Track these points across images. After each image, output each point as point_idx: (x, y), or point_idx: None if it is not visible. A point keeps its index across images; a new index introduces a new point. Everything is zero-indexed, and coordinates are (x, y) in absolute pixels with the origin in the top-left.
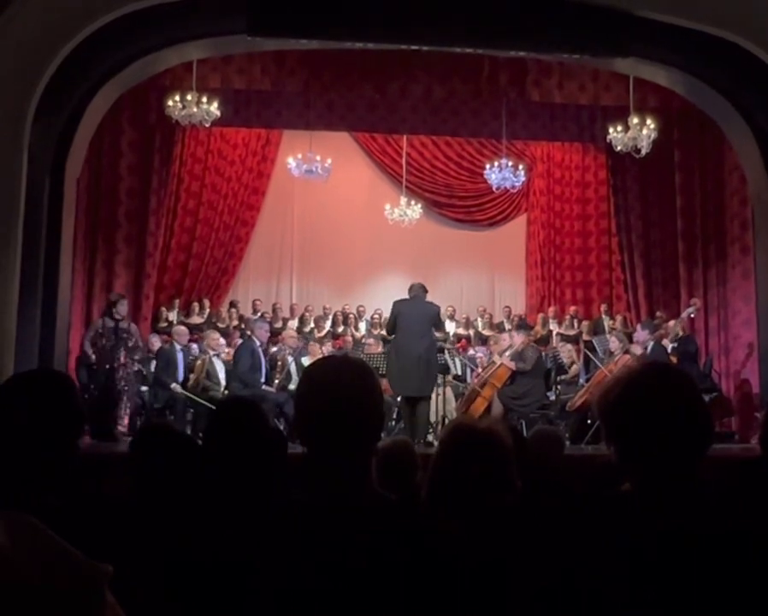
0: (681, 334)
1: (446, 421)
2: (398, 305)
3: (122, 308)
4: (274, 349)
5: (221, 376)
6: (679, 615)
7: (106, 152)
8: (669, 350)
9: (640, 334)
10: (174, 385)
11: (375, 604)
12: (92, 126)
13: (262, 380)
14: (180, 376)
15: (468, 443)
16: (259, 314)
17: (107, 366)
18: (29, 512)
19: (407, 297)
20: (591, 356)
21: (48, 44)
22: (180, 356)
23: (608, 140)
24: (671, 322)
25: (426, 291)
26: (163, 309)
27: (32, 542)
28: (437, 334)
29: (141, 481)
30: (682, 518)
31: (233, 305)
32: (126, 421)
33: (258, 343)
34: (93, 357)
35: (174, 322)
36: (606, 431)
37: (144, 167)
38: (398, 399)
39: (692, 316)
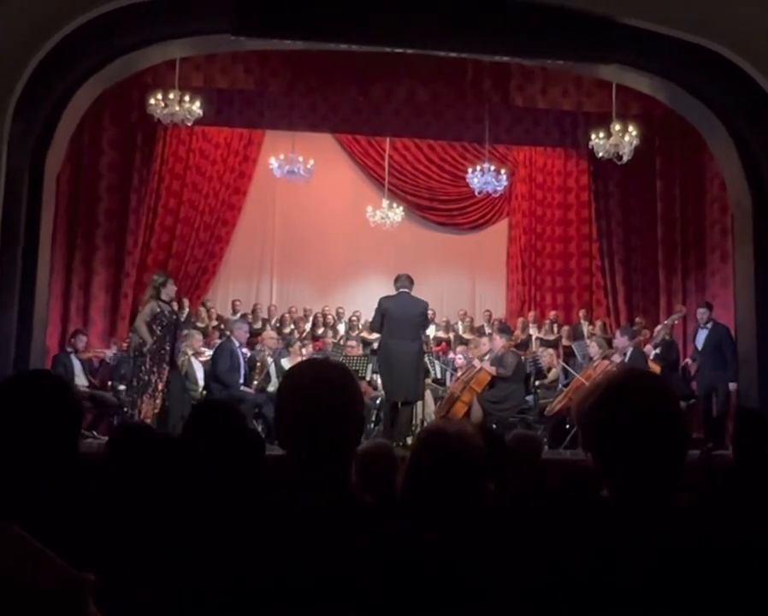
0: (667, 339)
1: (425, 424)
2: (385, 302)
3: (171, 289)
4: (247, 351)
5: (200, 376)
6: None
7: (87, 149)
8: (652, 356)
9: (620, 340)
10: None
11: (352, 606)
12: (73, 122)
13: (241, 381)
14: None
15: (437, 447)
16: (239, 314)
17: (164, 353)
18: (26, 516)
19: (393, 293)
20: (566, 366)
21: (30, 38)
22: None
23: (590, 146)
24: (658, 327)
25: (412, 282)
26: (141, 308)
27: (16, 551)
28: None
29: (119, 480)
30: (659, 524)
31: (203, 305)
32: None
33: (237, 344)
34: (150, 343)
35: None
36: (583, 438)
37: (124, 165)
38: (378, 401)
39: (676, 322)
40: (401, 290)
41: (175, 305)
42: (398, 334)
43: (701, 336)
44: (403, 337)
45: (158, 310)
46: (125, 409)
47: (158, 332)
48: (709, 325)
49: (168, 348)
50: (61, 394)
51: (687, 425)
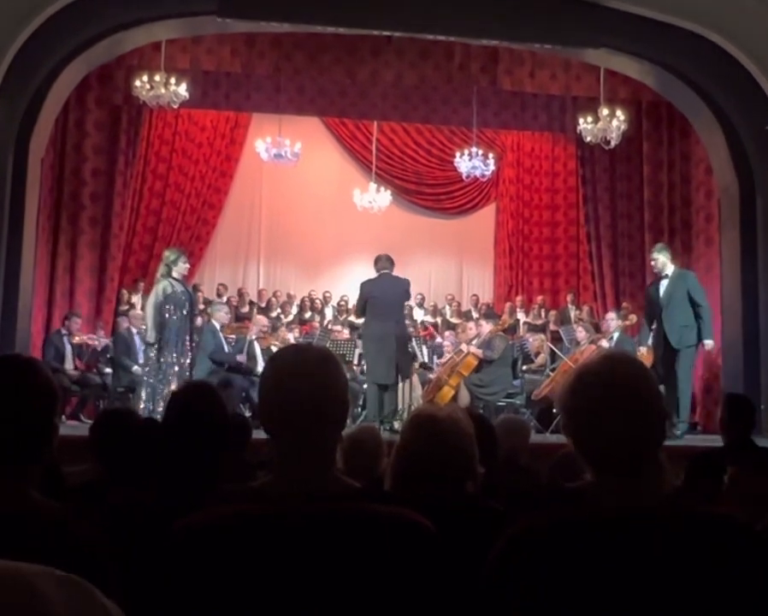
0: None
1: (412, 408)
2: (367, 286)
3: (183, 266)
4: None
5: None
6: (639, 606)
7: (71, 132)
8: (650, 342)
9: (612, 322)
10: (135, 368)
11: (338, 593)
12: (58, 104)
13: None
14: (140, 359)
15: (429, 431)
16: (225, 299)
17: (185, 341)
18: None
19: (375, 275)
20: (553, 348)
21: (13, 19)
22: (137, 339)
23: (578, 131)
24: None
25: (393, 263)
26: (125, 291)
27: (87, 610)
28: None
29: (101, 465)
30: (637, 510)
31: (195, 288)
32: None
33: (218, 326)
34: (154, 334)
35: (138, 305)
36: (563, 423)
37: (110, 147)
38: (365, 385)
39: None
40: (382, 271)
41: (187, 286)
42: (381, 317)
43: (662, 287)
44: (387, 319)
45: (170, 290)
46: (142, 406)
47: (175, 314)
48: (670, 271)
49: (189, 332)
50: (31, 376)
51: (664, 409)
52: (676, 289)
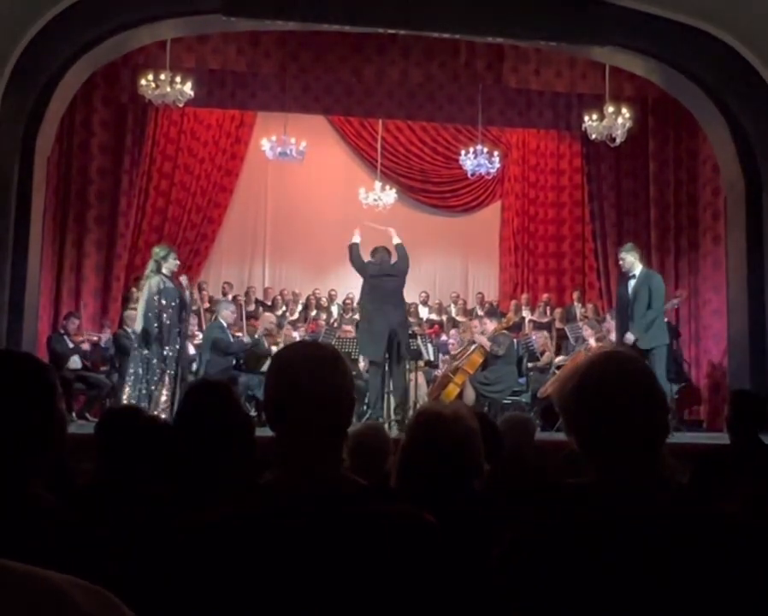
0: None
1: (418, 406)
2: (371, 268)
3: (173, 263)
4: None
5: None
6: (640, 603)
7: (77, 131)
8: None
9: (613, 322)
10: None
11: (346, 590)
12: (64, 103)
13: (233, 362)
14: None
15: (434, 428)
16: (230, 297)
17: (175, 338)
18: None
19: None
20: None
21: (19, 19)
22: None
23: (583, 128)
24: None
25: (390, 254)
26: (134, 289)
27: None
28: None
29: (107, 464)
30: (639, 509)
31: (199, 287)
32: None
33: (225, 324)
34: (142, 323)
35: None
36: (564, 423)
37: (116, 146)
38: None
39: (676, 307)
40: (382, 263)
41: (184, 280)
42: (383, 299)
43: (630, 287)
44: (385, 302)
45: (163, 285)
46: (141, 404)
47: (167, 310)
48: (637, 272)
49: (178, 328)
50: (26, 371)
51: (666, 406)
52: (641, 290)
